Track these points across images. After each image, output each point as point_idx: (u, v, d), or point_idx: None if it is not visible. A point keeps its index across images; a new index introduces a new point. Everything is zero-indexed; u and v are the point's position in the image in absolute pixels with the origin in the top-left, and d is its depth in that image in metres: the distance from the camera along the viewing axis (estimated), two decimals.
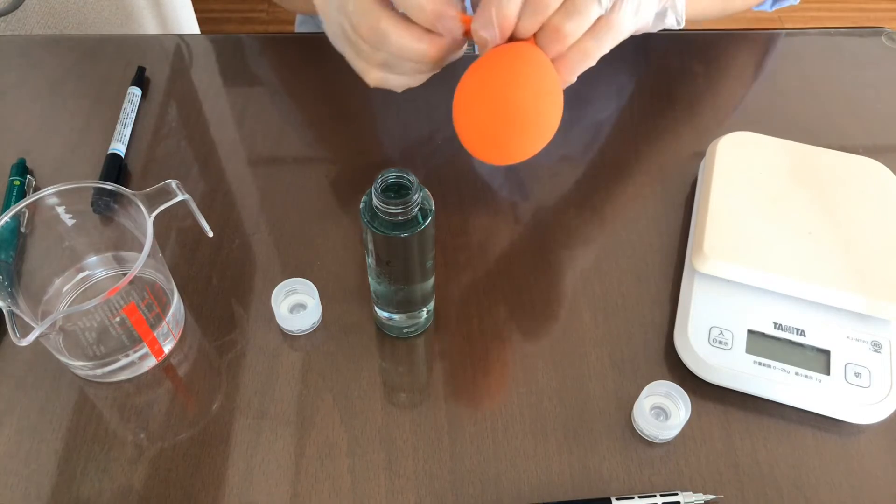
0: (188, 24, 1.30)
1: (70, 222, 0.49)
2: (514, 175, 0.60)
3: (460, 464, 0.45)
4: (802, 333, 0.48)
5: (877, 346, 0.47)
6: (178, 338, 0.50)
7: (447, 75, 0.45)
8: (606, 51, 0.40)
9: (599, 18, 0.39)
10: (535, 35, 0.39)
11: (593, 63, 0.41)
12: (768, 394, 0.46)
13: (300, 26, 0.93)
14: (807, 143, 0.56)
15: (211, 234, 0.49)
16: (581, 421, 0.46)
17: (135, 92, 0.64)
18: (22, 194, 0.56)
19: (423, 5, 0.39)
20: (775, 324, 0.48)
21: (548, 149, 0.41)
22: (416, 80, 0.45)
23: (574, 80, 0.41)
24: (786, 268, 0.48)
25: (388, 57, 0.43)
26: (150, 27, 1.18)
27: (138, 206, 0.44)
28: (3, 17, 0.78)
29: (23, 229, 0.48)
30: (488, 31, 0.39)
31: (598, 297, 0.52)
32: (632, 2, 0.40)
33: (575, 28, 0.38)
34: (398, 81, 0.45)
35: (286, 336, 0.50)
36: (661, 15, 0.49)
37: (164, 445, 0.45)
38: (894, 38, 0.71)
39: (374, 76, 0.45)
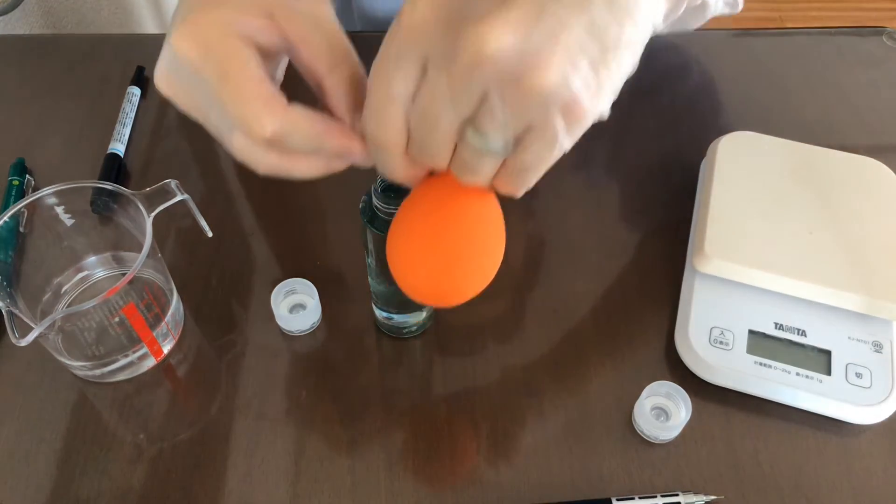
0: None
1: (69, 222, 0.49)
2: None
3: (460, 464, 0.45)
4: (803, 334, 0.48)
5: (878, 347, 0.47)
6: (177, 338, 0.50)
7: None
8: (544, 170, 0.32)
9: (506, 160, 0.31)
10: None
11: (534, 181, 0.33)
12: (769, 394, 0.46)
13: None
14: (807, 142, 0.56)
15: (210, 234, 0.49)
16: (581, 421, 0.46)
17: (134, 91, 0.64)
18: (21, 194, 0.56)
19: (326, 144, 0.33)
20: (776, 324, 0.48)
21: None
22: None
23: (520, 194, 0.33)
24: (787, 268, 0.48)
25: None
26: (150, 27, 1.18)
27: (137, 206, 0.44)
28: (2, 17, 0.78)
29: (22, 229, 0.47)
30: (390, 177, 0.34)
31: (599, 297, 0.52)
32: (558, 124, 0.29)
33: (473, 179, 0.32)
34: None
35: (286, 336, 0.50)
36: (699, 9, 0.34)
37: (164, 446, 0.45)
38: (895, 37, 0.71)
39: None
